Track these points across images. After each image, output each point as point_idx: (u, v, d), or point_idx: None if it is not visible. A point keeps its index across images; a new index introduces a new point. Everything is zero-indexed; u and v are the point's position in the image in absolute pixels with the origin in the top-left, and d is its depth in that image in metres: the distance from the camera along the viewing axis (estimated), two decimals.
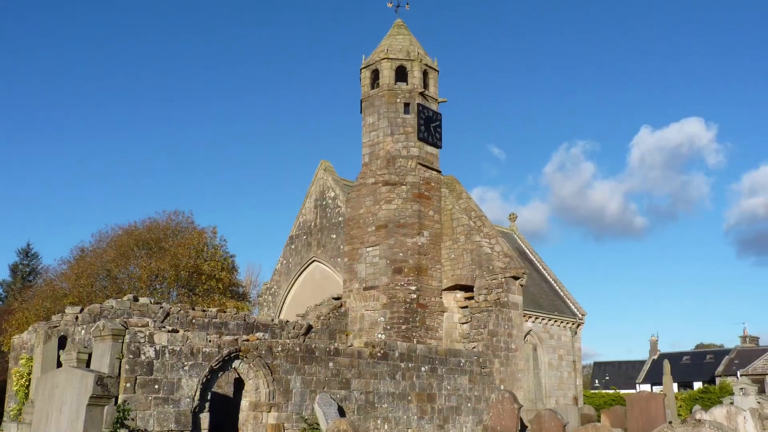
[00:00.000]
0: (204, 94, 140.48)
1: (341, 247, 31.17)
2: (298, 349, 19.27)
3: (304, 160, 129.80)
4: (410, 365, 22.49)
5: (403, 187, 28.11)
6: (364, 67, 30.07)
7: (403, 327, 26.75)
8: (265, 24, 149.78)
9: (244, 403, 18.32)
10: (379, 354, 21.62)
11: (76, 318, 20.65)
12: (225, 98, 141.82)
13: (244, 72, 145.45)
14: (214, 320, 23.05)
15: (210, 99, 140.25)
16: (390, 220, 27.91)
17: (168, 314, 22.03)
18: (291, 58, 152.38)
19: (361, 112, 30.03)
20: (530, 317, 32.51)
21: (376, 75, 29.74)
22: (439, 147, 29.48)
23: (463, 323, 27.87)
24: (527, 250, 39.22)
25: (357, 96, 30.27)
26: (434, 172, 29.01)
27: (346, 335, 27.86)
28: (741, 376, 51.31)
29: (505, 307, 26.62)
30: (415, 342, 26.03)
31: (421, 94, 29.11)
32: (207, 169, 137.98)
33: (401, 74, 29.43)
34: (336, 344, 21.35)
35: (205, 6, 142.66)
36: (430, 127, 29.21)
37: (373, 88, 29.69)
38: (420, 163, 28.56)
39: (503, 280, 26.75)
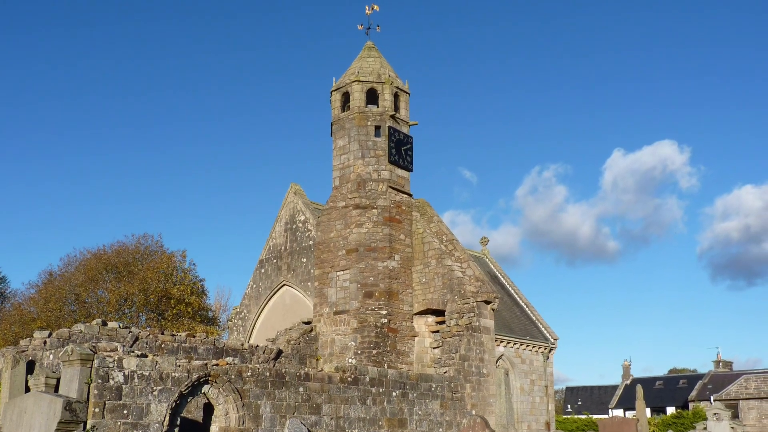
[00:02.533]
0: (173, 117, 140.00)
1: (311, 271, 31.03)
2: (268, 373, 19.06)
3: (275, 183, 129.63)
4: (381, 390, 22.33)
5: (374, 210, 28.08)
6: (334, 90, 30.09)
7: (374, 352, 26.60)
8: (234, 46, 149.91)
9: (214, 428, 18.05)
10: (349, 379, 21.45)
11: (45, 342, 20.31)
12: (195, 121, 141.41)
13: (213, 94, 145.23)
14: (183, 345, 22.78)
15: (179, 121, 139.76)
16: (361, 243, 27.84)
17: (137, 339, 21.74)
18: (261, 79, 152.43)
19: (331, 135, 30.04)
20: (502, 342, 32.54)
21: (346, 98, 29.75)
22: (410, 170, 29.52)
23: (434, 348, 27.79)
24: (499, 274, 39.33)
25: (328, 119, 30.31)
26: (405, 196, 29.02)
27: (317, 360, 27.66)
28: (714, 401, 51.56)
29: (476, 332, 26.57)
30: (386, 367, 25.90)
31: (392, 116, 29.17)
32: (176, 192, 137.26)
33: (372, 97, 29.45)
34: (306, 369, 21.15)
35: (174, 29, 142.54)
36: (401, 150, 29.26)
37: (343, 110, 29.69)
38: (391, 187, 28.56)
39: (475, 304, 26.72)
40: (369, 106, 29.27)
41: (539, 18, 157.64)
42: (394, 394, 22.69)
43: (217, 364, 17.90)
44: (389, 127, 29.00)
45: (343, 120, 29.39)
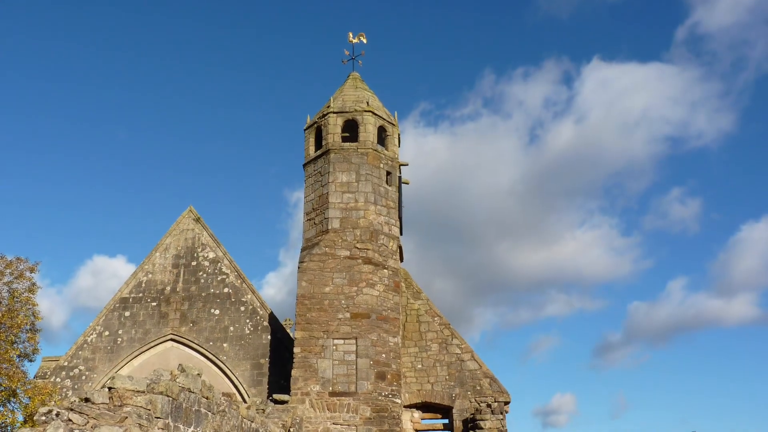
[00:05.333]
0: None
1: (231, 328, 23.24)
2: None
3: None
4: None
5: (385, 271, 22.57)
6: (335, 113, 23.90)
7: None
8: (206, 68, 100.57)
9: None
10: None
11: None
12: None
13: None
14: None
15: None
16: (373, 309, 21.95)
17: None
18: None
19: (310, 163, 23.77)
20: None
21: (351, 126, 23.93)
22: (401, 233, 24.56)
23: None
24: None
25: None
26: (400, 262, 23.97)
27: None
28: None
29: None
30: None
31: (400, 165, 24.38)
32: None
33: (380, 135, 24.31)
34: None
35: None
36: (401, 208, 24.37)
37: (345, 141, 23.76)
38: (399, 247, 23.45)
39: (496, 405, 22.73)
40: (378, 145, 24.02)
41: None
42: None
43: None
44: (399, 178, 24.14)
45: (348, 151, 23.39)
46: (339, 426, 20.80)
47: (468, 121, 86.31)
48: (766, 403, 72.13)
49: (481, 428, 21.99)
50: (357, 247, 22.41)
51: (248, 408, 18.04)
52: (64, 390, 23.06)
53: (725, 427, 72.10)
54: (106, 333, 23.87)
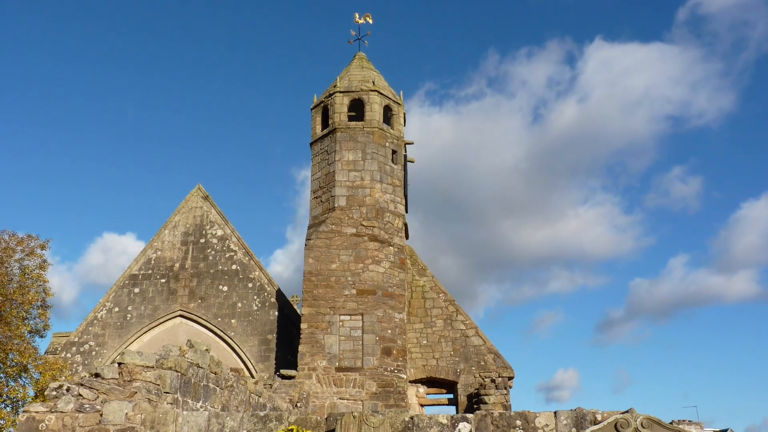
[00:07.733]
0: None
1: (239, 304, 23.55)
2: None
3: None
4: None
5: (391, 248, 22.81)
6: (342, 92, 24.05)
7: None
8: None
9: None
10: None
11: None
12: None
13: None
14: None
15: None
16: (378, 285, 22.20)
17: None
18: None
19: (316, 142, 23.92)
20: None
21: (357, 105, 24.13)
22: (407, 210, 24.75)
23: None
24: None
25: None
26: (405, 240, 24.20)
27: None
28: None
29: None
30: None
31: (406, 144, 24.54)
32: None
33: (385, 114, 24.47)
34: None
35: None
36: (406, 186, 24.54)
37: (351, 120, 23.96)
38: (405, 224, 23.67)
39: (500, 380, 23.02)
40: (384, 124, 24.20)
41: None
42: None
43: None
44: (405, 156, 24.33)
45: (354, 130, 23.56)
46: (345, 401, 21.11)
47: (472, 100, 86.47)
48: (766, 379, 72.53)
49: (486, 403, 22.30)
50: (363, 225, 22.65)
51: (256, 383, 18.37)
52: (75, 365, 23.48)
53: (726, 402, 72.65)
54: (116, 309, 24.26)
